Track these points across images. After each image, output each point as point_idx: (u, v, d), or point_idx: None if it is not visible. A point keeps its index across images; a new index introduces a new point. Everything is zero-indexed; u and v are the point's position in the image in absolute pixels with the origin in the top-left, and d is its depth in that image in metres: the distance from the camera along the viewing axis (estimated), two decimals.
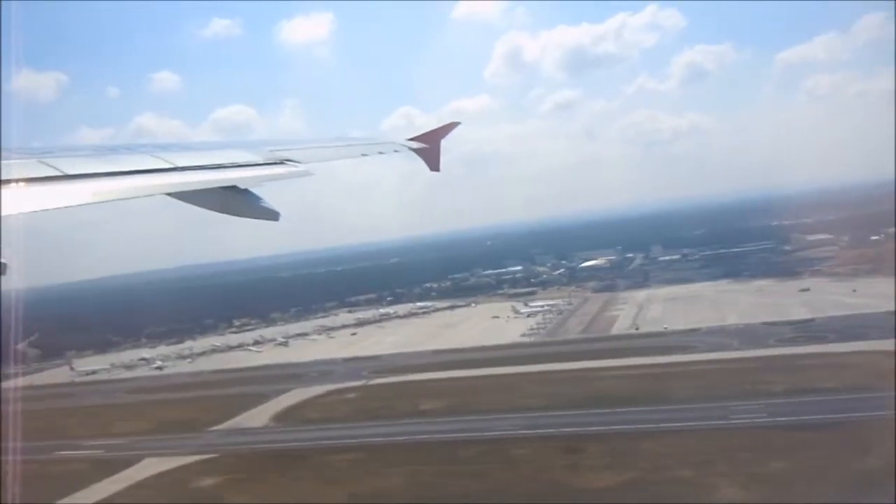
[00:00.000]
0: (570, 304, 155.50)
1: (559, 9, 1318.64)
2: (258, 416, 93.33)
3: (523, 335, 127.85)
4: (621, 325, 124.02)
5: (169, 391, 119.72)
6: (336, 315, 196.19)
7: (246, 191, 9.43)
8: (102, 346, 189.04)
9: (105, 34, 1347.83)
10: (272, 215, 9.46)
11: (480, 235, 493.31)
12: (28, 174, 6.93)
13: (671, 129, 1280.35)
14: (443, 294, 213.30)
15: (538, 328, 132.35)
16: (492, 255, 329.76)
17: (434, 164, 15.68)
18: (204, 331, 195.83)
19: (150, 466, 77.64)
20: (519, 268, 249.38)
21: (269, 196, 9.64)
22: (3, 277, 6.53)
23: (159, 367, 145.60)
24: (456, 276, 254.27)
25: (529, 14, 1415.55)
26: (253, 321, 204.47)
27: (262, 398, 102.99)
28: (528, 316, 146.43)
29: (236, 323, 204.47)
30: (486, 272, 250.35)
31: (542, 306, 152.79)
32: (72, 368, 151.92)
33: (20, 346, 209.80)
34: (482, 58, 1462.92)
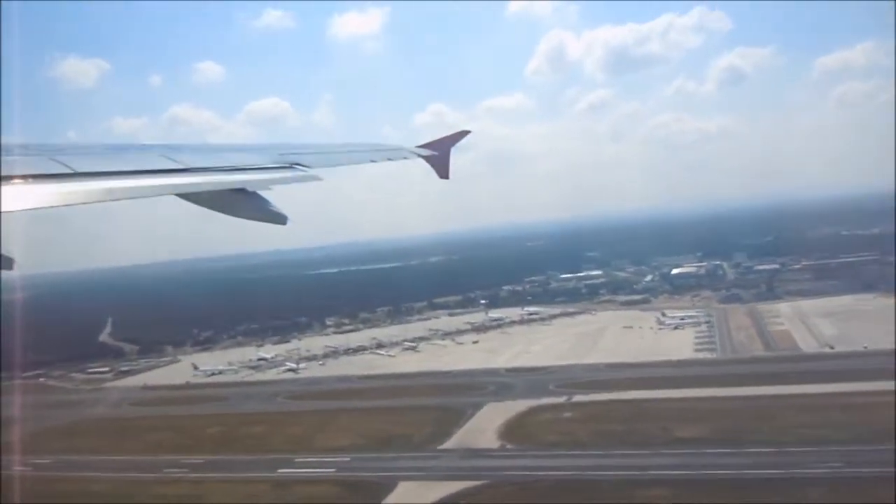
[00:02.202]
0: (709, 316, 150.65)
1: (609, 8, 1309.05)
2: (480, 435, 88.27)
3: (697, 350, 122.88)
4: (805, 343, 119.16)
5: (333, 398, 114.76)
6: (437, 318, 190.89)
7: (254, 193, 9.41)
8: (199, 343, 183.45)
9: (155, 20, 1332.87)
10: (280, 219, 9.41)
11: (508, 235, 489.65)
12: (40, 171, 7.02)
13: (699, 131, 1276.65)
14: (532, 298, 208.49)
15: (705, 342, 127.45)
16: (541, 256, 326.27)
17: (443, 172, 15.53)
18: (301, 329, 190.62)
19: (411, 492, 72.55)
20: (599, 272, 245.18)
21: (280, 196, 9.60)
22: (1, 271, 6.45)
23: (292, 370, 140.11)
24: (533, 279, 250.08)
25: (579, 12, 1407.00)
26: (345, 320, 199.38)
27: (457, 412, 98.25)
28: (675, 328, 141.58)
29: (329, 322, 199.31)
30: (564, 276, 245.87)
31: (683, 318, 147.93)
32: (195, 367, 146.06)
33: (105, 340, 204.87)
34: (526, 55, 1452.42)
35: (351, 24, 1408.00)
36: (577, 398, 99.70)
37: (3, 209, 6.13)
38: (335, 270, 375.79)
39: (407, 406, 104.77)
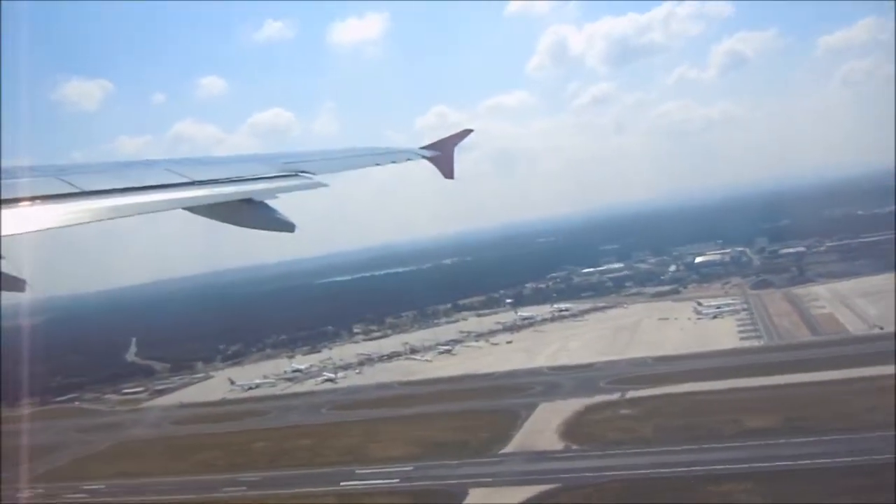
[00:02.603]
0: (745, 303, 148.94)
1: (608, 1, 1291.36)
2: (540, 436, 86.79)
3: (742, 338, 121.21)
4: (853, 326, 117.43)
5: (377, 407, 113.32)
6: (465, 320, 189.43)
7: (261, 203, 9.44)
8: (228, 357, 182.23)
9: (158, 38, 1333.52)
10: (287, 227, 9.46)
11: (517, 233, 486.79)
12: (45, 191, 6.99)
13: (703, 118, 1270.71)
14: (557, 295, 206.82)
15: (749, 330, 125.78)
16: (555, 252, 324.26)
17: (448, 172, 15.39)
18: (330, 338, 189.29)
19: (485, 499, 71.11)
20: (620, 265, 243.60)
21: (285, 204, 9.69)
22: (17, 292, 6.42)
23: (330, 380, 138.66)
24: (555, 275, 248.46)
25: (579, 8, 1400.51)
26: (372, 327, 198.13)
27: (511, 415, 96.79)
28: (714, 317, 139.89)
29: (356, 329, 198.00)
30: (586, 270, 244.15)
31: (720, 306, 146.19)
32: (232, 382, 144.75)
33: (133, 359, 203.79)
34: (527, 53, 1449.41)
35: (351, 31, 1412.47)
36: (631, 394, 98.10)
37: (11, 231, 6.02)
38: (349, 278, 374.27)
39: (455, 411, 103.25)
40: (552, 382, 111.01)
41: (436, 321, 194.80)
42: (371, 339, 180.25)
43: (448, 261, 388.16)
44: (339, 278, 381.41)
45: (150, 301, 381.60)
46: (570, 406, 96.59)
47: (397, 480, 79.64)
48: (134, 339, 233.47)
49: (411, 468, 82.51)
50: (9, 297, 6.95)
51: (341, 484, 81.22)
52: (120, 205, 7.49)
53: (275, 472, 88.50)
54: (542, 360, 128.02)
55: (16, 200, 6.61)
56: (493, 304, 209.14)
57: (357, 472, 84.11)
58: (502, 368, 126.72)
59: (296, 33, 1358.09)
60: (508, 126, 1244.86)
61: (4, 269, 6.37)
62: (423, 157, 14.96)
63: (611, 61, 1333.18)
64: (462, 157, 16.11)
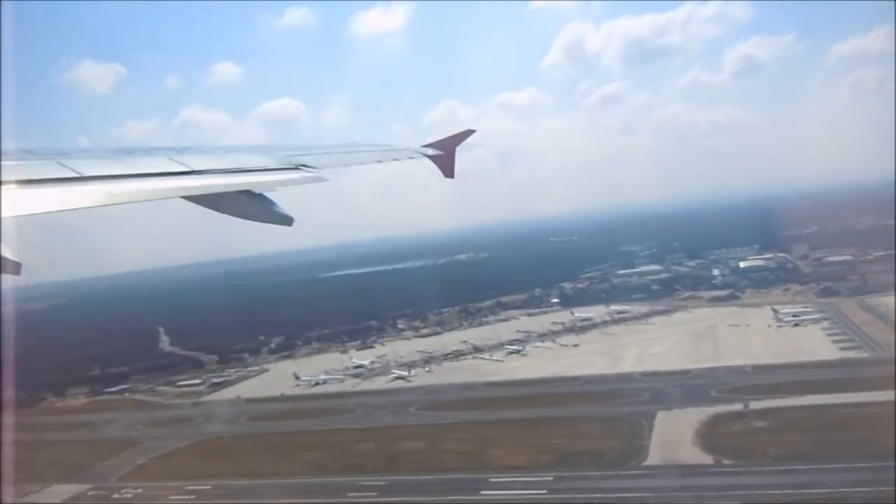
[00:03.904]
0: (821, 311, 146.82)
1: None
2: (679, 448, 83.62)
3: (841, 349, 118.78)
4: None
5: (472, 409, 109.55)
6: (515, 318, 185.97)
7: (261, 195, 9.42)
8: (275, 350, 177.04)
9: (176, 24, 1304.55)
10: (286, 220, 9.43)
11: (526, 230, 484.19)
12: (46, 175, 7.05)
13: (710, 122, 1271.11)
14: (606, 296, 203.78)
15: (843, 340, 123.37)
16: (573, 252, 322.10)
17: (448, 172, 15.39)
18: (377, 333, 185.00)
19: None
20: (657, 267, 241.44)
21: (284, 195, 9.61)
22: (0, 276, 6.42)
23: (402, 378, 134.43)
24: (589, 275, 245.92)
25: (601, 7, 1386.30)
26: (416, 323, 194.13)
27: (630, 423, 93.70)
28: (795, 325, 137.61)
29: (400, 325, 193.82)
30: (622, 271, 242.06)
31: (797, 314, 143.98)
32: (297, 377, 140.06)
33: (173, 350, 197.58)
34: (544, 49, 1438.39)
35: (374, 21, 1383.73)
36: (755, 405, 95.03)
37: (10, 213, 6.02)
38: (365, 271, 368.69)
39: (565, 417, 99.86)
40: (655, 389, 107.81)
41: (483, 319, 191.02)
42: (421, 336, 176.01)
43: (463, 256, 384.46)
44: (354, 271, 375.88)
45: (153, 288, 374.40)
46: (693, 416, 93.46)
47: (544, 492, 75.87)
48: (161, 328, 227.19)
49: (552, 478, 78.78)
50: (9, 282, 6.67)
51: (481, 493, 77.24)
52: (119, 191, 7.41)
53: (399, 477, 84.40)
54: (628, 365, 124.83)
55: (15, 183, 6.55)
56: (536, 303, 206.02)
57: (491, 480, 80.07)
58: (587, 372, 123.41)
59: (318, 21, 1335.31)
60: (516, 123, 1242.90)
61: (1, 251, 6.01)
62: (425, 155, 14.79)
63: (626, 61, 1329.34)
64: (466, 154, 16.06)
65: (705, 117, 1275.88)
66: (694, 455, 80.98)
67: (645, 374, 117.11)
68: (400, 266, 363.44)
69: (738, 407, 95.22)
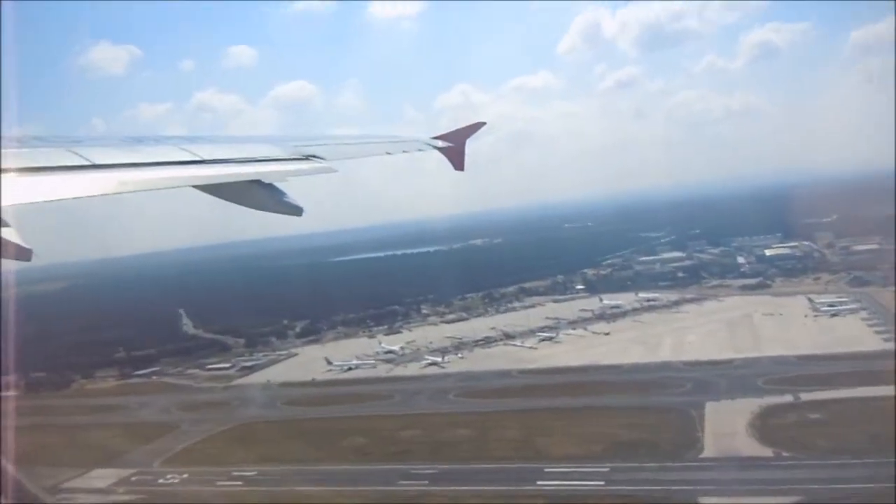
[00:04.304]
0: (858, 301, 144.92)
1: None
2: (734, 440, 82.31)
3: (885, 339, 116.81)
4: None
5: (512, 396, 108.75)
6: (542, 305, 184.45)
7: (270, 185, 9.45)
8: (301, 335, 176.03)
9: (194, 5, 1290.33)
10: (296, 210, 9.43)
11: (538, 216, 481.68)
12: (57, 163, 7.12)
13: (723, 108, 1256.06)
14: (631, 283, 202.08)
15: (888, 331, 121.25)
16: (590, 238, 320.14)
17: (459, 164, 15.46)
18: (402, 319, 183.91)
19: None
20: (679, 254, 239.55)
21: (292, 182, 9.67)
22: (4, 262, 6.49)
23: (434, 363, 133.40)
24: (611, 262, 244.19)
25: None
26: (440, 308, 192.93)
27: (679, 413, 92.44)
28: (833, 315, 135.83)
29: (424, 310, 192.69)
30: (644, 258, 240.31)
31: (833, 304, 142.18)
32: (328, 362, 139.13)
33: (198, 333, 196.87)
34: (560, 34, 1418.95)
35: (389, 5, 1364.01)
36: (805, 396, 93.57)
37: (20, 200, 6.12)
38: (379, 255, 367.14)
39: (610, 406, 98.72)
40: (698, 379, 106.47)
41: (509, 305, 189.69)
42: (448, 322, 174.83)
43: (478, 241, 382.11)
44: (367, 255, 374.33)
45: (166, 271, 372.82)
46: (743, 407, 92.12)
47: (602, 483, 74.67)
48: (182, 311, 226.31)
49: (607, 469, 77.59)
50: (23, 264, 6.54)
51: (537, 483, 76.11)
52: (130, 179, 7.56)
53: (448, 466, 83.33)
54: (666, 354, 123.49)
55: (26, 170, 6.67)
56: (561, 290, 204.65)
57: (546, 470, 78.92)
58: (625, 361, 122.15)
59: (334, 4, 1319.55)
60: (529, 108, 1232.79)
61: (12, 238, 6.03)
62: (435, 147, 14.76)
63: (642, 46, 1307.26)
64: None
65: (720, 103, 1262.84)
66: (751, 447, 79.70)
67: (686, 364, 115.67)
68: (414, 251, 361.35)
69: (788, 398, 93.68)
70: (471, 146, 15.76)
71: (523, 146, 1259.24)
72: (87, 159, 7.39)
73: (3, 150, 6.91)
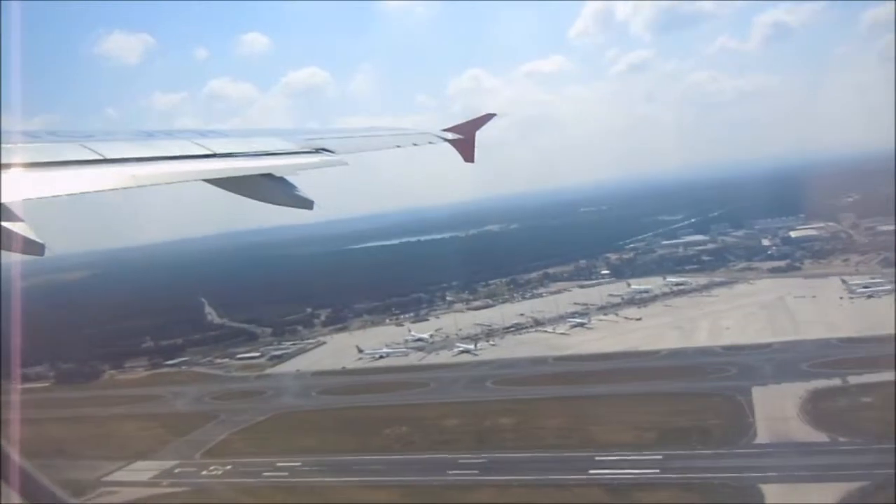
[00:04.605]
0: (891, 281, 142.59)
1: None
2: (787, 425, 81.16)
3: None
4: None
5: (551, 384, 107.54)
6: (569, 290, 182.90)
7: (281, 179, 9.55)
8: (327, 323, 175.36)
9: None
10: (306, 204, 9.54)
11: (552, 201, 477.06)
12: (69, 157, 7.17)
13: (735, 89, 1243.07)
14: (656, 267, 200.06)
15: None
16: (607, 222, 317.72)
17: (468, 156, 15.56)
18: (427, 306, 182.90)
19: (792, 498, 65.14)
20: (702, 237, 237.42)
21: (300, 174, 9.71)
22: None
23: (467, 351, 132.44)
24: (634, 246, 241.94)
25: None
26: (465, 294, 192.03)
27: (726, 399, 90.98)
28: (869, 297, 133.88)
29: (449, 297, 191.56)
30: (668, 242, 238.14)
31: (867, 286, 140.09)
32: (360, 350, 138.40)
33: (218, 321, 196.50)
34: (574, 17, 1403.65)
35: None
36: (853, 379, 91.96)
37: (33, 195, 6.19)
38: (395, 242, 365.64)
39: (653, 392, 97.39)
40: (740, 364, 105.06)
41: (534, 291, 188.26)
42: (474, 309, 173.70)
43: (495, 227, 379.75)
44: (383, 242, 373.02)
45: (183, 259, 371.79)
46: (791, 391, 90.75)
47: (657, 471, 73.57)
48: (204, 300, 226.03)
49: (661, 457, 76.42)
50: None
51: (589, 472, 75.07)
52: (142, 174, 7.59)
53: (496, 455, 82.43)
54: (704, 339, 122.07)
55: (40, 165, 6.71)
56: (585, 275, 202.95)
57: (597, 458, 77.85)
58: (662, 346, 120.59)
59: None
60: (541, 92, 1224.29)
61: (24, 233, 6.07)
62: (445, 140, 14.88)
63: (655, 28, 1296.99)
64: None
65: (733, 84, 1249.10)
66: (806, 432, 78.44)
67: (725, 349, 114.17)
68: (430, 237, 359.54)
69: (836, 382, 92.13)
70: (482, 132, 15.86)
71: (535, 131, 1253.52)
72: (99, 154, 7.45)
73: (16, 146, 6.91)
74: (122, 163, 7.60)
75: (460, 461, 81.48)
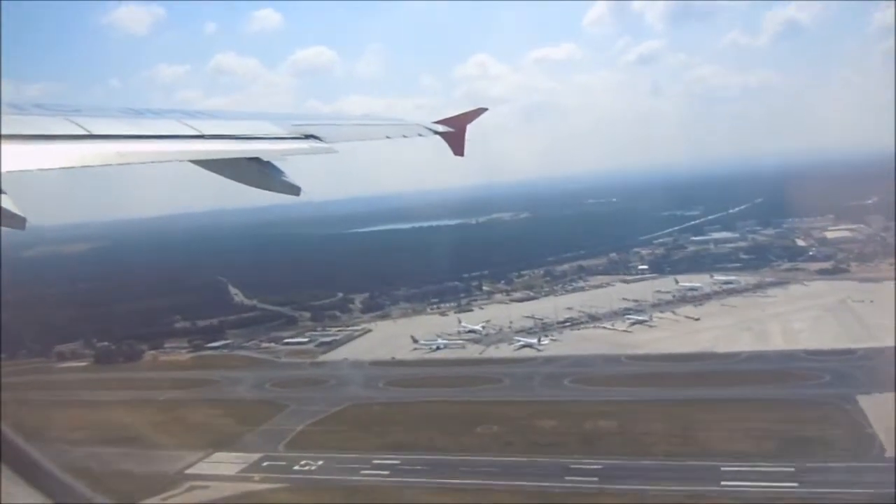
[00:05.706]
0: None
1: None
2: None
3: None
4: None
5: (633, 385, 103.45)
6: (612, 285, 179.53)
7: (268, 163, 9.40)
8: (367, 310, 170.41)
9: None
10: (294, 190, 9.34)
11: (556, 191, 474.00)
12: (55, 131, 7.03)
13: (746, 85, 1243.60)
14: (694, 263, 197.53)
15: None
16: (619, 215, 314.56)
17: (458, 149, 15.34)
18: (465, 295, 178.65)
19: None
20: (731, 234, 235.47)
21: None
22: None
23: (528, 345, 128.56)
24: (661, 241, 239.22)
25: None
26: (500, 284, 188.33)
27: (831, 406, 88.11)
28: None
29: (486, 287, 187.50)
30: (696, 238, 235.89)
31: None
32: (415, 340, 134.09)
33: (250, 302, 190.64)
34: (589, 4, 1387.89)
35: None
36: None
37: (15, 168, 6.06)
38: (407, 227, 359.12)
39: (754, 398, 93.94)
40: (831, 370, 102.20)
41: (574, 284, 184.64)
42: (517, 301, 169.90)
43: (504, 215, 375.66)
44: (391, 227, 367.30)
45: (175, 237, 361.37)
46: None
47: (795, 484, 70.23)
48: (226, 280, 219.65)
49: (792, 469, 73.09)
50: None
51: (721, 483, 71.57)
52: (127, 151, 7.47)
53: (611, 461, 78.57)
54: (780, 342, 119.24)
55: (23, 137, 6.54)
56: (620, 269, 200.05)
57: (723, 469, 74.39)
58: (739, 349, 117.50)
59: None
60: (547, 80, 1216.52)
61: (6, 205, 5.85)
62: (435, 132, 14.76)
63: (670, 19, 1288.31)
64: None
65: (742, 80, 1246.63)
66: None
67: (809, 353, 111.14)
68: (440, 223, 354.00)
69: None
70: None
71: (539, 118, 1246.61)
72: (86, 129, 7.24)
73: (1, 118, 6.54)
74: (108, 139, 7.39)
75: (572, 466, 77.62)
